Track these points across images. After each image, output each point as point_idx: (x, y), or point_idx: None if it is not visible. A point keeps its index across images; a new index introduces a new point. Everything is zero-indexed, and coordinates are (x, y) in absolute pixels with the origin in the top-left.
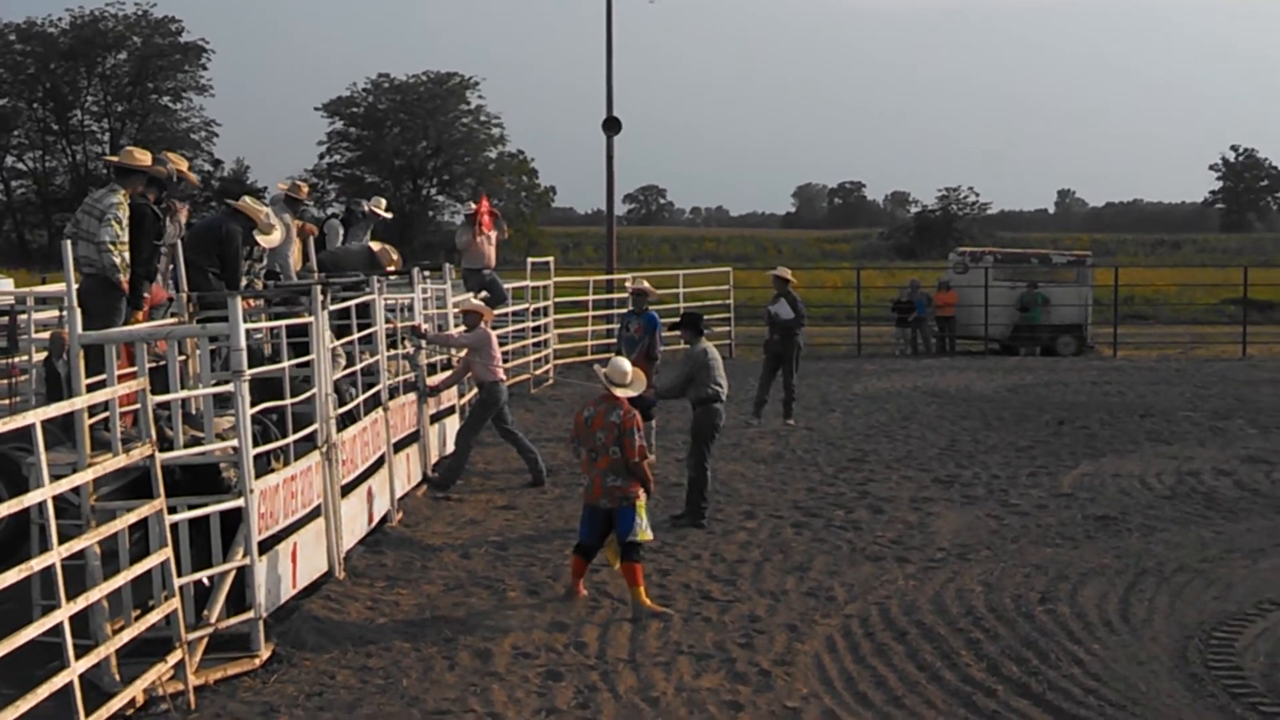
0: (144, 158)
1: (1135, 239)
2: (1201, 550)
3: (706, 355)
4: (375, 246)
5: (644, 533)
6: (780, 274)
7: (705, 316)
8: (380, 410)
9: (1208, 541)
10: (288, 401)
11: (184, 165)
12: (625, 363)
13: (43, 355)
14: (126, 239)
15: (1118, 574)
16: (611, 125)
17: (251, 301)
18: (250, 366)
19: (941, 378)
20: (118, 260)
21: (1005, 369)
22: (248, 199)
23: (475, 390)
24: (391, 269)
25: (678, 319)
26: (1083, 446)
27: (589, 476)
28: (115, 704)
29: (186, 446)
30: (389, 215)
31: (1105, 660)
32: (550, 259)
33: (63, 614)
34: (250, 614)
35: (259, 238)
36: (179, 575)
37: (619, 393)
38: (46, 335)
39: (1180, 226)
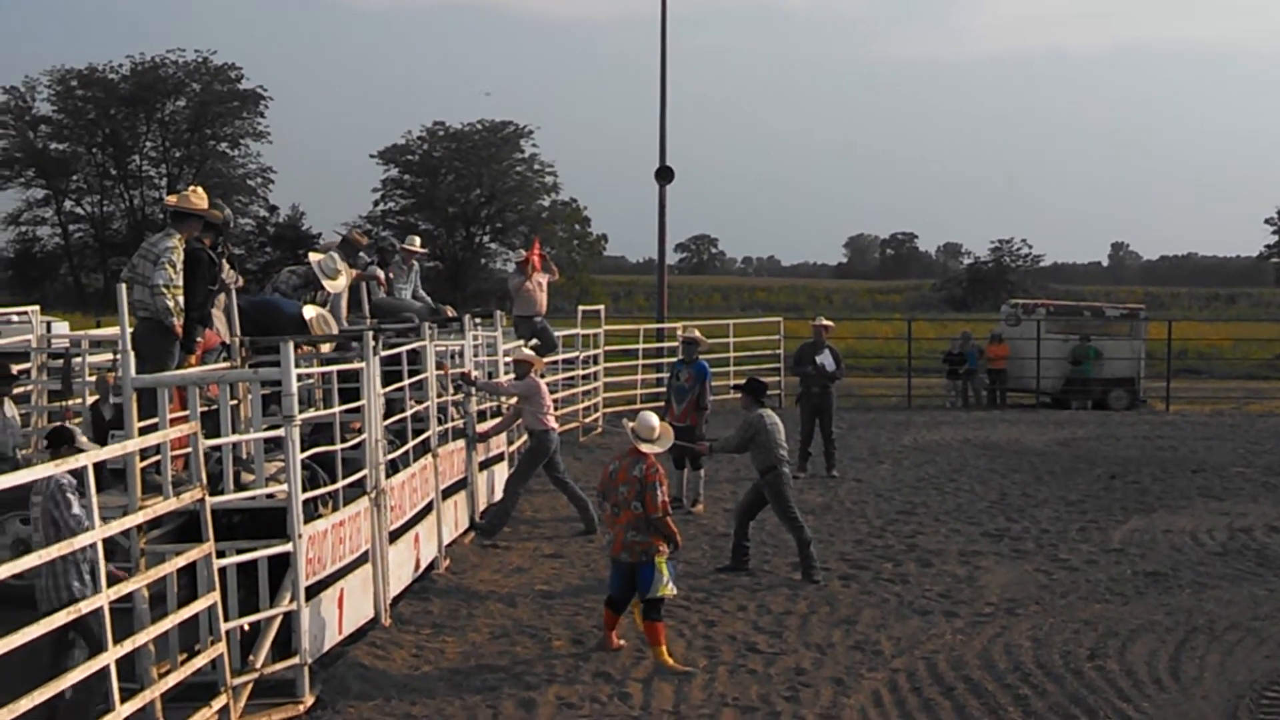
0: (200, 201)
1: (1189, 292)
2: (1253, 608)
3: (763, 421)
4: None
5: (665, 588)
6: (824, 324)
7: (749, 362)
8: (429, 456)
9: (1260, 599)
10: (338, 447)
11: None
12: (653, 418)
13: (94, 399)
14: (180, 283)
15: (1168, 631)
16: (664, 174)
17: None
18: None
19: (992, 430)
20: (170, 304)
21: (1056, 422)
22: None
23: (525, 437)
24: (450, 316)
25: (742, 381)
26: (1134, 501)
27: (612, 531)
28: None
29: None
30: (424, 251)
31: (1155, 718)
32: (601, 307)
33: (109, 657)
34: (296, 660)
35: (325, 283)
36: (225, 619)
37: (645, 448)
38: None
39: (1235, 280)
